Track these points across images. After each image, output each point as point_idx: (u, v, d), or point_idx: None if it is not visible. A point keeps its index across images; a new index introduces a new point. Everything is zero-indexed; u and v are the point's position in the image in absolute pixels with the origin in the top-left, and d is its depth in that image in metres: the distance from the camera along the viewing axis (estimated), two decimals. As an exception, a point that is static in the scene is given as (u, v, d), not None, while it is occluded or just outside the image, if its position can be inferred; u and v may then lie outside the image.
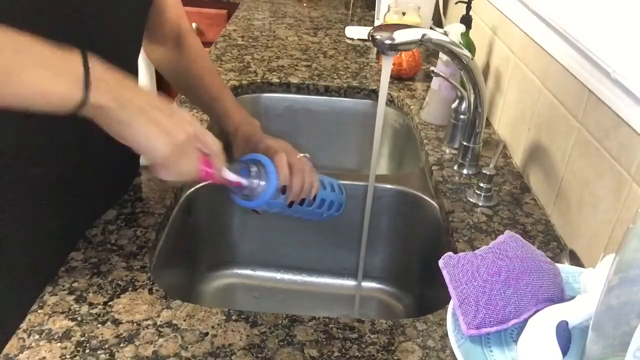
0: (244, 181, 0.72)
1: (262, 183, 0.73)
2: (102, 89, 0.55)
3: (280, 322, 0.68)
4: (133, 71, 0.86)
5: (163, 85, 2.27)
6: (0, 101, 0.52)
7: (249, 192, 0.73)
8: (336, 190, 0.88)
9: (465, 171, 1.02)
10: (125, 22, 0.78)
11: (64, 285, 0.71)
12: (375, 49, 1.59)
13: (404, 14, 1.43)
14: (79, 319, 0.66)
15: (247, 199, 0.74)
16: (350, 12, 1.97)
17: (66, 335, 0.64)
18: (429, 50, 1.58)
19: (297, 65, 1.44)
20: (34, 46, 0.53)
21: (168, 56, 0.91)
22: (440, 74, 1.08)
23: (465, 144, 1.01)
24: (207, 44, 1.74)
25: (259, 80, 1.35)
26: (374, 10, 1.76)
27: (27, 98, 0.53)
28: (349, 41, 1.66)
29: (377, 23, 1.72)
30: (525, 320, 0.60)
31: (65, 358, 0.61)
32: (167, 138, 0.59)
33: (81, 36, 0.70)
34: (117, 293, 0.70)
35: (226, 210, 1.10)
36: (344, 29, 1.73)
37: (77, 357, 0.61)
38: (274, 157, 0.75)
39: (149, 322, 0.67)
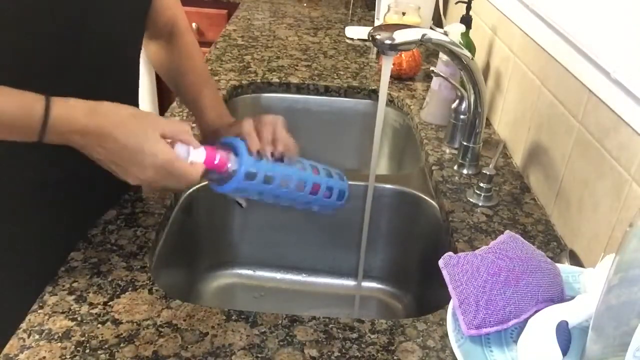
0: (218, 157, 0.69)
1: (234, 165, 0.70)
2: (54, 138, 0.61)
3: (280, 322, 0.68)
4: (134, 71, 0.86)
5: (163, 85, 2.27)
6: None
7: (221, 176, 0.70)
8: (334, 176, 0.82)
9: (465, 171, 1.02)
10: (125, 23, 0.78)
11: (64, 285, 0.71)
12: (375, 49, 1.59)
13: (404, 14, 1.43)
14: (79, 319, 0.66)
15: (225, 182, 0.70)
16: (350, 12, 1.97)
17: (66, 335, 0.64)
18: (429, 50, 1.58)
19: (297, 65, 1.44)
20: None
21: (160, 52, 0.91)
22: (440, 74, 1.08)
23: (465, 144, 1.01)
24: (207, 44, 1.75)
25: (259, 80, 1.35)
26: (374, 10, 1.76)
27: None
28: (349, 41, 1.66)
29: (377, 23, 1.72)
30: (525, 320, 0.60)
31: (65, 358, 0.61)
32: (125, 177, 0.65)
33: (82, 37, 0.70)
34: (117, 293, 0.70)
35: (226, 210, 1.10)
36: (344, 29, 1.73)
37: (77, 357, 0.61)
38: (240, 131, 0.72)
39: (149, 322, 0.67)
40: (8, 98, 0.59)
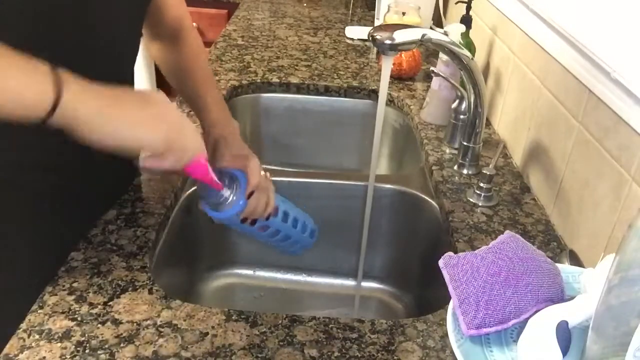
0: (222, 187, 0.72)
1: (233, 197, 0.73)
2: (73, 91, 0.54)
3: (280, 322, 0.68)
4: (130, 73, 0.86)
5: (164, 86, 2.27)
6: None
7: (217, 201, 0.73)
8: (301, 227, 0.86)
9: (465, 171, 1.02)
10: (122, 25, 0.77)
11: (64, 285, 0.71)
12: (375, 49, 1.59)
13: (404, 14, 1.43)
14: (79, 319, 0.66)
15: (214, 208, 0.74)
16: (350, 12, 1.97)
17: (66, 335, 0.64)
18: (429, 50, 1.58)
19: (297, 65, 1.44)
20: (4, 56, 0.53)
21: (165, 52, 0.91)
22: (440, 74, 1.08)
23: (465, 144, 1.01)
24: (207, 44, 1.74)
25: (259, 80, 1.35)
26: (374, 10, 1.76)
27: None
28: (349, 41, 1.66)
29: (377, 23, 1.72)
30: (525, 320, 0.60)
31: (65, 358, 0.61)
32: (151, 128, 0.59)
33: (78, 38, 0.70)
34: (117, 293, 0.70)
35: (226, 210, 1.10)
36: (344, 29, 1.73)
37: (77, 357, 0.61)
38: (247, 174, 0.75)
39: (149, 322, 0.67)
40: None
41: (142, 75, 2.12)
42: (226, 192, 0.73)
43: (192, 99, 0.90)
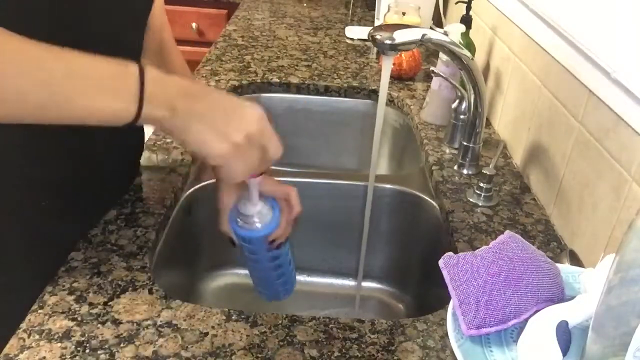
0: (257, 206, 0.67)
1: (267, 216, 0.68)
2: (155, 102, 0.55)
3: (280, 322, 0.68)
4: None
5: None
6: (51, 120, 0.53)
7: (246, 219, 0.68)
8: (293, 264, 0.79)
9: (465, 171, 1.02)
10: (125, 28, 0.77)
11: (64, 285, 0.71)
12: (375, 49, 1.59)
13: (404, 14, 1.43)
14: (79, 319, 0.66)
15: (243, 225, 0.68)
16: (350, 12, 1.97)
17: (66, 335, 0.64)
18: (429, 50, 1.58)
19: (297, 65, 1.44)
20: (85, 67, 0.54)
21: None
22: (440, 74, 1.08)
23: (465, 144, 1.01)
24: (207, 44, 1.75)
25: (259, 80, 1.35)
26: (374, 10, 1.76)
27: (80, 118, 0.54)
28: (349, 41, 1.66)
29: (377, 23, 1.72)
30: (525, 320, 0.60)
31: (65, 358, 0.61)
32: (221, 140, 0.58)
33: (80, 40, 0.70)
34: (117, 293, 0.70)
35: (226, 210, 1.10)
36: (344, 29, 1.73)
37: (77, 357, 0.61)
38: (285, 200, 0.72)
39: (149, 322, 0.67)
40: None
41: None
42: (264, 208, 0.68)
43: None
